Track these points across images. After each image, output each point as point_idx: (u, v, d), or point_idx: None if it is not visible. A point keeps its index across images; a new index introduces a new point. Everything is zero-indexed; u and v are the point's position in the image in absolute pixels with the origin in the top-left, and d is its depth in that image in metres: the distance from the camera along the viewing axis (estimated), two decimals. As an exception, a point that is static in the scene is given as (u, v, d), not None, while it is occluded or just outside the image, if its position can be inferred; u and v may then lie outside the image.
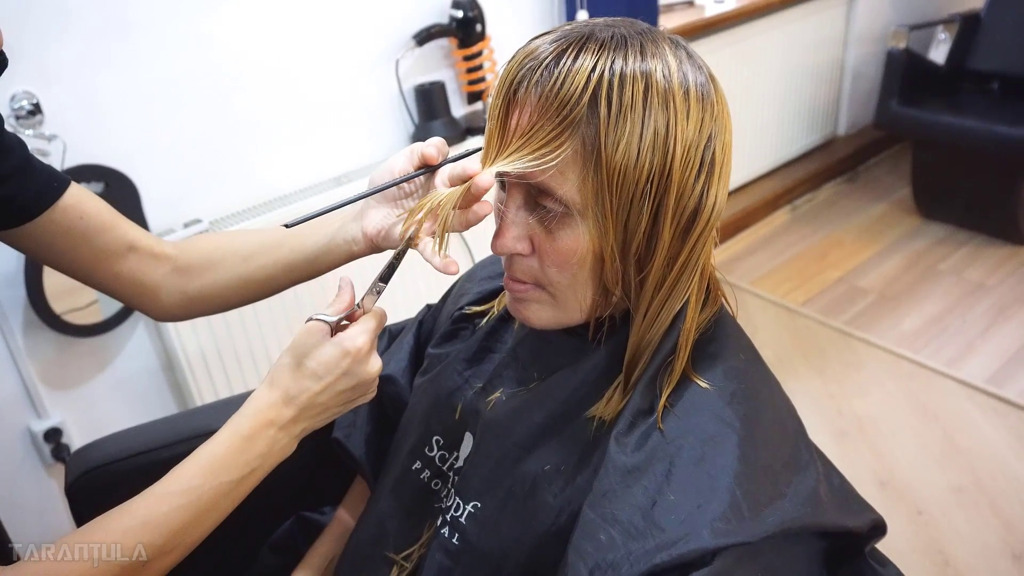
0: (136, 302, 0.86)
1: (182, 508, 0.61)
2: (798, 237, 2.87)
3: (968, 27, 2.76)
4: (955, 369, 2.13)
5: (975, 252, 2.68)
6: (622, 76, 0.57)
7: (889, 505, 1.75)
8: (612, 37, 0.59)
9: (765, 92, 2.86)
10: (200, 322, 1.57)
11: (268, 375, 0.67)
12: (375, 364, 0.67)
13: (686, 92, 0.58)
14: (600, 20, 0.62)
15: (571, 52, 0.58)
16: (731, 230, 2.84)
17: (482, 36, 1.85)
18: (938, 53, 2.82)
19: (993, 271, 2.56)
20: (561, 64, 0.58)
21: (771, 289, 2.57)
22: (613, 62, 0.57)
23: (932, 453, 1.87)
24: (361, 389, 0.68)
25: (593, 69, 0.57)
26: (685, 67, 0.59)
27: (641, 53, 0.58)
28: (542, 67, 0.58)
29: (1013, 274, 2.53)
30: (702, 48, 2.46)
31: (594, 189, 0.58)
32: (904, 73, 2.67)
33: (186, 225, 1.55)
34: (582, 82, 0.57)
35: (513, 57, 0.62)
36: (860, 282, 2.57)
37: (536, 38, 0.62)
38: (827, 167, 3.16)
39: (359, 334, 0.66)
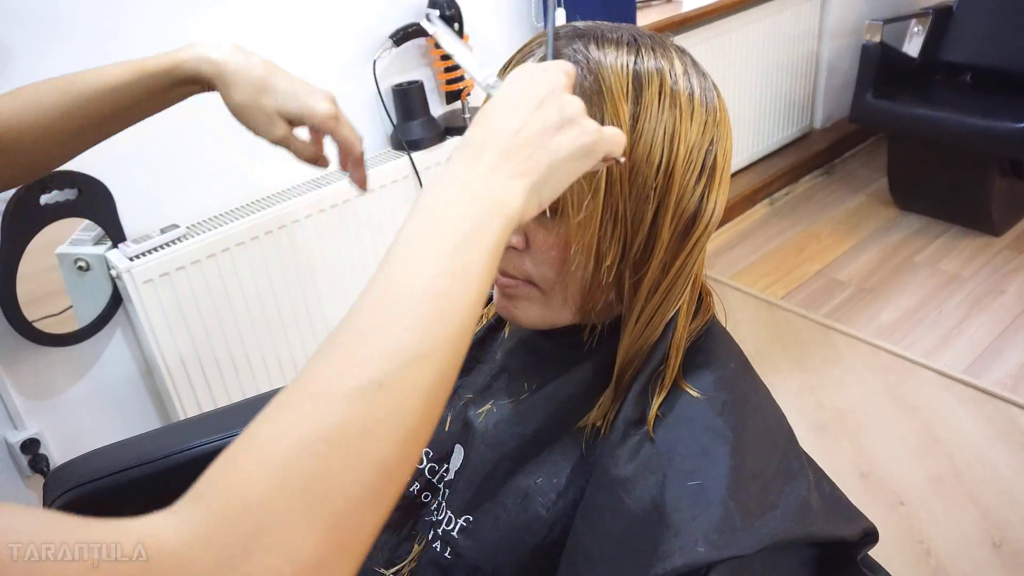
0: None
1: (399, 302, 0.44)
2: (776, 231, 2.89)
3: (940, 20, 2.79)
4: (933, 360, 2.15)
5: (950, 243, 2.71)
6: (638, 72, 0.58)
7: (870, 496, 1.77)
8: (622, 37, 0.60)
9: (742, 87, 2.87)
10: (180, 329, 1.55)
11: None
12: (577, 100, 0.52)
13: (691, 95, 0.59)
14: (603, 23, 0.63)
15: (586, 45, 0.59)
16: (710, 224, 2.86)
17: (460, 35, 1.83)
18: (912, 46, 2.84)
19: (968, 262, 2.59)
20: (578, 55, 0.58)
21: (751, 283, 2.59)
22: (633, 58, 0.59)
23: (911, 444, 1.90)
24: (570, 115, 0.50)
25: (613, 63, 0.57)
26: (691, 72, 0.61)
27: (653, 53, 0.59)
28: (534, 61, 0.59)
29: (987, 265, 2.57)
30: (679, 43, 2.46)
31: (599, 183, 0.58)
32: (878, 66, 2.69)
33: (163, 230, 1.53)
34: (602, 73, 0.58)
35: (520, 49, 0.63)
36: (838, 275, 2.60)
37: (538, 37, 0.63)
38: (804, 160, 3.18)
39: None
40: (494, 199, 0.47)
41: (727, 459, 0.59)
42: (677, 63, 0.60)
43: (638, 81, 0.58)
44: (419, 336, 0.42)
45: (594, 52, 0.59)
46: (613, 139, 0.52)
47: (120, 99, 0.75)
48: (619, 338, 0.65)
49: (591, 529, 0.58)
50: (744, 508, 0.57)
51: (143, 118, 0.79)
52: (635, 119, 0.58)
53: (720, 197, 0.62)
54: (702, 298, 0.68)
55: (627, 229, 0.60)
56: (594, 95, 0.58)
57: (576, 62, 0.58)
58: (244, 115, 0.76)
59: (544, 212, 0.61)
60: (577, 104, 0.51)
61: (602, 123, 0.55)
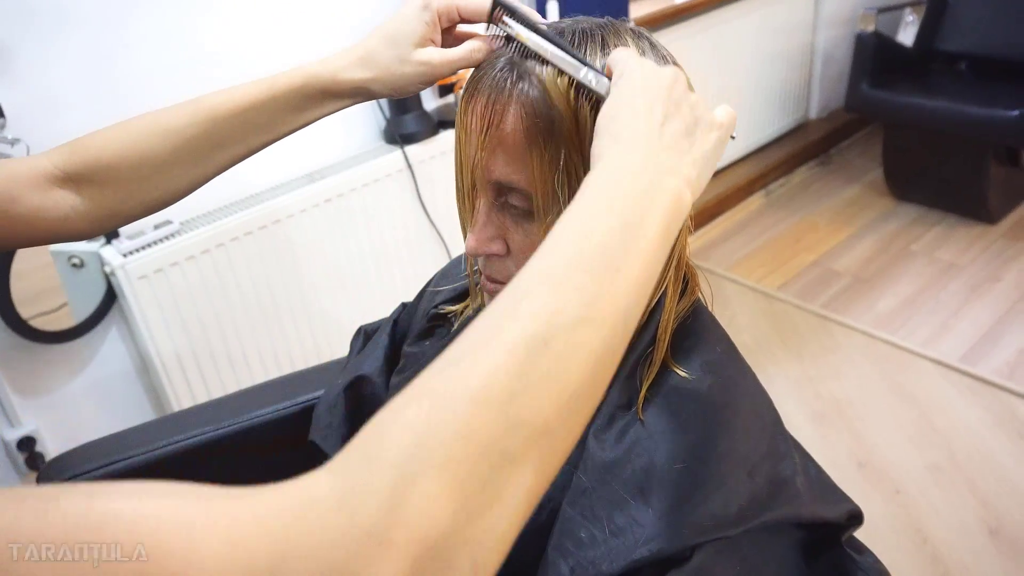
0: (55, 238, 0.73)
1: (568, 268, 0.43)
2: (773, 221, 2.89)
3: (935, 8, 2.78)
4: (930, 349, 2.15)
5: (947, 232, 2.71)
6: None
7: (868, 485, 1.77)
8: (575, 33, 0.60)
9: (737, 78, 2.87)
10: (175, 325, 1.55)
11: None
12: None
13: None
14: (569, 20, 0.63)
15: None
16: (706, 216, 2.85)
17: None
18: (906, 35, 2.84)
19: (964, 250, 2.59)
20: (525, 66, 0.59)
21: (747, 274, 2.58)
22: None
23: (909, 433, 1.90)
24: (699, 110, 0.54)
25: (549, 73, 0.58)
26: (648, 55, 0.60)
27: (602, 45, 0.59)
28: (496, 71, 0.60)
29: (984, 253, 2.56)
30: (673, 35, 2.46)
31: (561, 182, 0.58)
32: (873, 56, 2.68)
33: (156, 227, 1.53)
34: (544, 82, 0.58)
35: (479, 67, 0.63)
36: (835, 265, 2.60)
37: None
38: (800, 151, 3.18)
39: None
40: (662, 186, 0.48)
41: (714, 442, 0.59)
42: (633, 49, 0.59)
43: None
44: (587, 300, 0.42)
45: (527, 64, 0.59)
46: (731, 122, 0.57)
47: (250, 121, 0.69)
48: None
49: (580, 514, 0.58)
50: (731, 491, 0.57)
51: (277, 139, 0.72)
52: (572, 115, 0.58)
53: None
54: (687, 280, 0.68)
55: None
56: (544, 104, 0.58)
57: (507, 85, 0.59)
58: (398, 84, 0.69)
59: (521, 216, 0.61)
60: (698, 98, 0.55)
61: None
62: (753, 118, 3.04)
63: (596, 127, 0.53)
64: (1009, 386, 1.98)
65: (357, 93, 0.69)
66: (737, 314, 2.41)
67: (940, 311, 2.31)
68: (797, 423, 1.96)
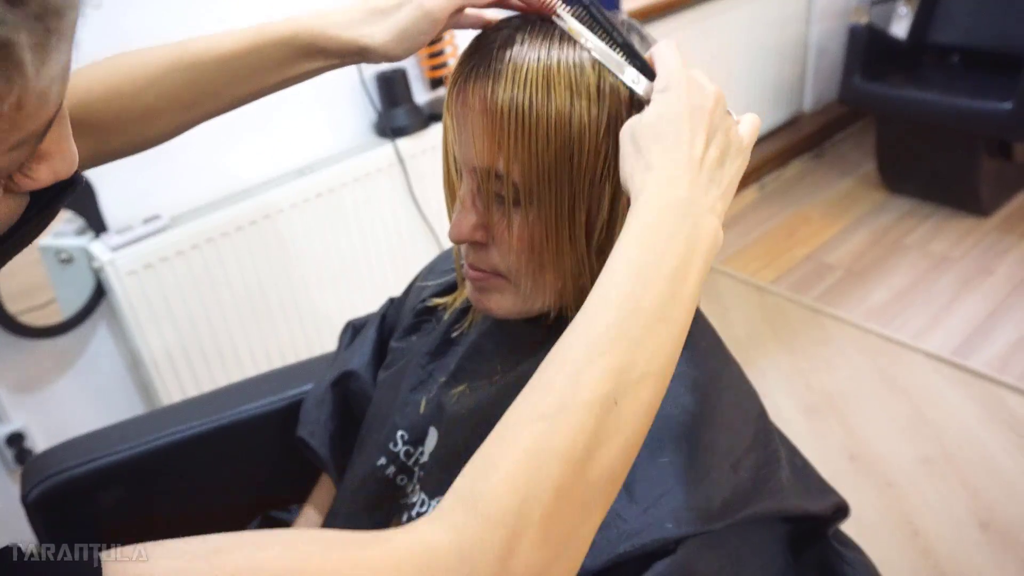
0: None
1: (628, 323, 0.46)
2: (766, 215, 2.89)
3: (928, 1, 2.78)
4: (922, 342, 2.15)
5: (939, 225, 2.71)
6: (548, 66, 0.57)
7: (859, 478, 1.77)
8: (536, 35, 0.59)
9: (730, 70, 2.86)
10: (165, 320, 1.54)
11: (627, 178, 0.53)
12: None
13: None
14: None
15: (520, 40, 0.59)
16: (700, 210, 2.85)
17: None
18: (899, 27, 2.83)
19: (957, 243, 2.59)
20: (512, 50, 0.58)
21: (741, 268, 2.58)
22: (547, 51, 0.58)
23: (900, 425, 1.90)
24: (732, 135, 0.55)
25: (539, 58, 0.57)
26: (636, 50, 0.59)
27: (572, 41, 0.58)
28: (490, 53, 0.59)
29: (976, 246, 2.57)
30: (666, 27, 2.46)
31: (547, 173, 0.58)
32: (866, 48, 2.68)
33: (145, 220, 1.52)
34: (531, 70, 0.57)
35: (469, 50, 0.62)
36: (828, 258, 2.60)
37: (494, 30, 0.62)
38: (794, 144, 3.17)
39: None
40: (704, 226, 0.50)
41: (698, 436, 0.59)
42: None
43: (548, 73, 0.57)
44: (648, 356, 0.46)
45: (514, 49, 0.58)
46: (755, 136, 0.58)
47: (233, 71, 0.66)
48: None
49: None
50: (714, 484, 0.57)
51: (263, 92, 0.69)
52: (570, 105, 0.57)
53: None
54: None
55: (588, 211, 0.60)
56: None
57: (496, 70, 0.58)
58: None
59: (504, 204, 0.61)
60: (733, 121, 0.55)
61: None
62: (747, 111, 2.99)
63: (633, 133, 0.53)
64: (1001, 379, 1.98)
65: (347, 52, 0.65)
66: (730, 308, 2.41)
67: (932, 304, 2.32)
68: (789, 416, 1.96)
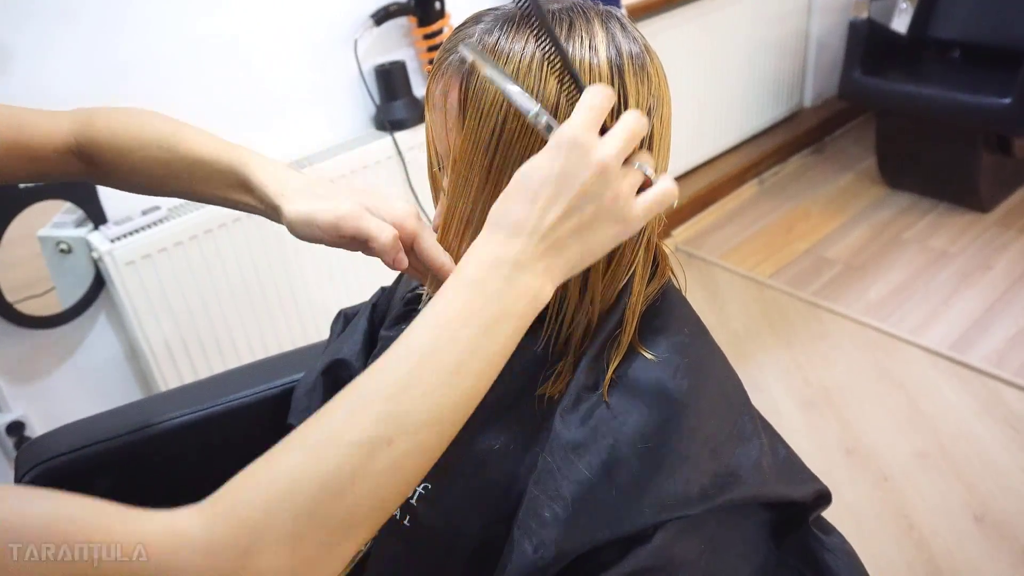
0: None
1: (421, 371, 0.49)
2: (766, 210, 2.89)
3: (929, -4, 2.77)
4: (919, 337, 2.16)
5: (938, 220, 2.71)
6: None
7: (855, 472, 1.78)
8: (550, 12, 0.60)
9: (730, 65, 2.86)
10: (163, 310, 1.55)
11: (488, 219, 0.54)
12: (626, 179, 0.53)
13: (619, 68, 0.58)
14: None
15: (506, 32, 0.59)
16: (699, 205, 2.85)
17: (441, 14, 1.83)
18: (900, 22, 2.83)
19: (956, 239, 2.59)
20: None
21: (739, 262, 2.59)
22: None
23: (897, 420, 1.90)
24: (608, 205, 0.53)
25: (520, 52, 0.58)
26: (618, 41, 0.59)
27: (570, 27, 0.58)
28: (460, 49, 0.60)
29: (975, 241, 2.57)
30: (666, 22, 2.45)
31: (472, 161, 0.60)
32: (866, 43, 2.68)
33: (144, 212, 1.53)
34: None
35: (449, 38, 0.63)
36: (827, 253, 2.60)
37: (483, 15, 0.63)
38: (794, 139, 3.17)
39: (608, 139, 0.53)
40: (523, 290, 0.52)
41: (679, 423, 0.60)
42: (599, 35, 0.59)
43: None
44: (432, 405, 0.49)
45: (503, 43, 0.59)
46: (659, 205, 0.55)
47: (193, 173, 0.74)
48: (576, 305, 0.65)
49: (544, 493, 0.59)
50: (693, 469, 0.58)
51: (217, 203, 0.75)
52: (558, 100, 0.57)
53: (660, 163, 0.62)
54: (658, 262, 0.69)
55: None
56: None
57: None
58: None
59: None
60: (621, 192, 0.53)
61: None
62: (747, 106, 3.03)
63: (519, 172, 0.53)
64: (998, 374, 1.99)
65: (268, 206, 0.71)
66: (728, 302, 2.41)
67: (931, 299, 2.32)
68: (786, 410, 1.97)
